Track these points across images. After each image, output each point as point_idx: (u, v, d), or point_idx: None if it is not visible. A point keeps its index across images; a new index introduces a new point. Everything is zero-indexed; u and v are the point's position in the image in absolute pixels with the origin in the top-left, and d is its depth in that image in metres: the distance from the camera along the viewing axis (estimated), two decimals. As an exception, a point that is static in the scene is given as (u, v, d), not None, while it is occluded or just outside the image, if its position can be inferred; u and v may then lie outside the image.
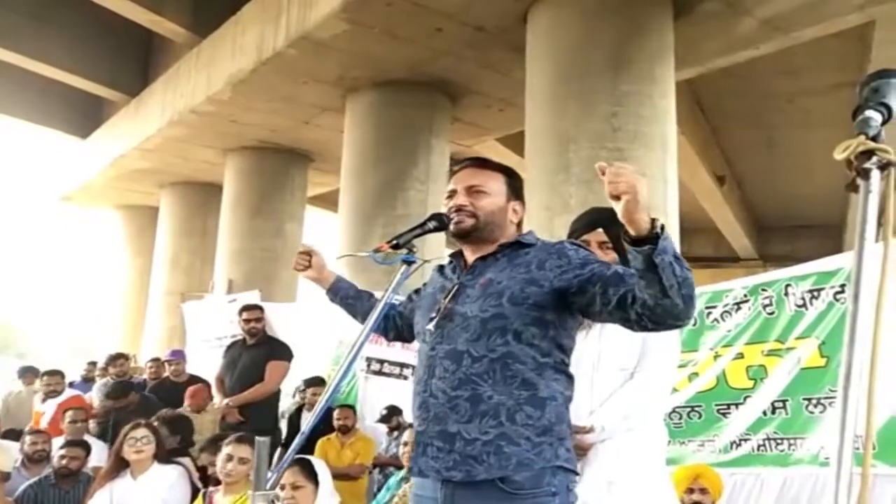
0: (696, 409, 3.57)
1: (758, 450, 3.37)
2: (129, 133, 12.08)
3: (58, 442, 4.59)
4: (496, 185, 1.81)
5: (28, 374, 7.70)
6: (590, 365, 2.16)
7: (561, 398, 1.68)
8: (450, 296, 1.75)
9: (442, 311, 1.73)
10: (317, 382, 5.80)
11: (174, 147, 11.64)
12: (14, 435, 5.60)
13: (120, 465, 3.48)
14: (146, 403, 5.68)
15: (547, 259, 1.69)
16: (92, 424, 5.49)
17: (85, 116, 14.15)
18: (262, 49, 8.44)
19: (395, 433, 5.77)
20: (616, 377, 2.20)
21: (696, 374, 3.57)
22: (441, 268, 1.93)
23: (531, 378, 1.63)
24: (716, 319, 3.55)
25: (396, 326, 2.12)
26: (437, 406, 1.66)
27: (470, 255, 1.83)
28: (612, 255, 2.21)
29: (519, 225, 1.86)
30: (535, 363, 1.64)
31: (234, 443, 3.14)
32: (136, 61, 13.10)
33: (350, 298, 2.17)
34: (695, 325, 3.60)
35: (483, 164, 1.87)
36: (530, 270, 1.68)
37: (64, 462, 4.07)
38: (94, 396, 6.56)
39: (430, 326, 1.73)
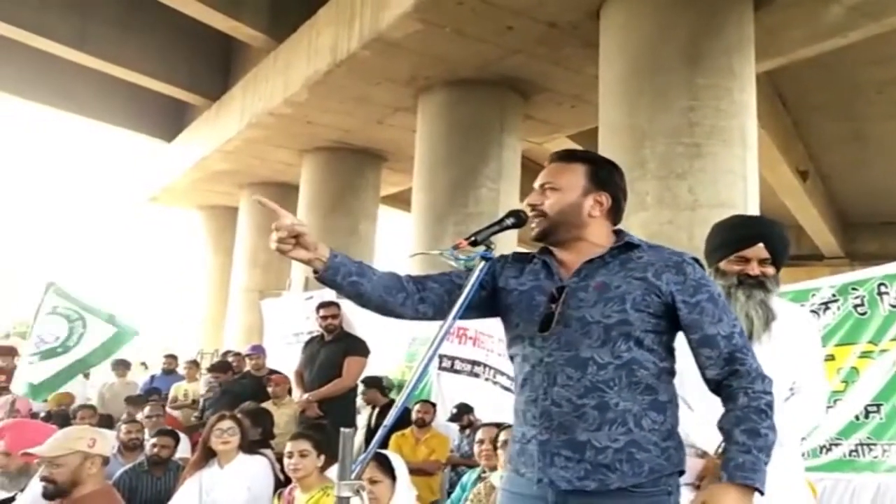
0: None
1: (849, 455, 3.24)
2: (211, 136, 12.57)
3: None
4: (571, 179, 1.73)
5: (120, 366, 8.19)
6: None
7: (676, 401, 1.69)
8: (560, 299, 1.68)
9: (555, 316, 1.66)
10: (372, 383, 5.92)
11: (253, 149, 12.03)
12: (109, 423, 5.94)
13: (208, 455, 3.63)
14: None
15: (665, 270, 1.65)
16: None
17: (169, 120, 14.77)
18: (337, 51, 8.63)
19: (468, 431, 5.80)
20: (782, 392, 2.09)
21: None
22: (521, 261, 1.82)
23: (653, 383, 1.63)
24: (802, 319, 3.42)
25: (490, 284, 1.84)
26: (561, 415, 1.61)
27: (564, 256, 1.75)
28: (772, 270, 2.15)
29: (610, 216, 1.76)
30: (656, 368, 1.64)
31: (291, 440, 3.26)
32: (216, 66, 13.58)
33: (353, 275, 1.71)
34: (779, 325, 3.48)
35: (565, 156, 1.79)
36: (647, 277, 1.64)
37: (156, 450, 4.29)
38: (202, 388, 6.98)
39: (543, 332, 1.66)
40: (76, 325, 4.11)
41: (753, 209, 6.28)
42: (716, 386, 1.63)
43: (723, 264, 2.19)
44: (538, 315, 1.69)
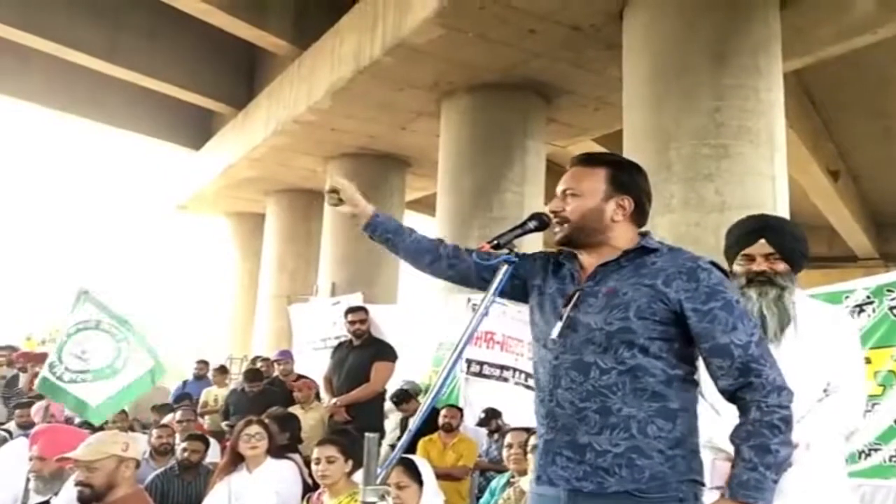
0: (814, 416, 3.38)
1: (889, 461, 3.16)
2: (237, 144, 12.73)
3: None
4: (591, 184, 1.72)
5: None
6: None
7: (692, 409, 1.65)
8: (571, 303, 1.69)
9: (564, 319, 1.68)
10: (403, 398, 5.96)
11: (278, 156, 12.16)
12: (141, 428, 6.04)
13: (236, 460, 3.67)
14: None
15: (676, 277, 1.61)
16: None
17: (197, 129, 14.99)
18: (360, 58, 8.69)
19: (496, 436, 5.79)
20: (813, 393, 2.07)
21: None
22: (556, 262, 1.83)
23: (660, 390, 1.60)
24: (835, 322, 3.36)
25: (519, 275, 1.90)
26: (564, 417, 1.64)
27: (586, 259, 1.75)
28: (782, 266, 2.12)
29: (634, 219, 1.74)
30: (665, 375, 1.60)
31: (318, 446, 3.27)
32: (242, 75, 13.77)
33: (389, 233, 2.00)
34: (811, 328, 3.42)
35: (586, 160, 1.78)
36: (656, 284, 1.62)
37: (186, 455, 4.35)
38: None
39: (554, 335, 1.69)
40: (122, 345, 4.18)
41: (783, 211, 6.19)
42: (730, 397, 1.59)
43: (734, 266, 2.19)
44: (555, 318, 1.71)
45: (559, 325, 1.69)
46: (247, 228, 16.20)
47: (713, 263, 1.66)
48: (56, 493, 3.22)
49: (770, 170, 6.20)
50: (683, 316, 1.59)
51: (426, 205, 13.37)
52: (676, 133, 6.25)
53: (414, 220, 15.08)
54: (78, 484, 2.86)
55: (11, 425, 5.59)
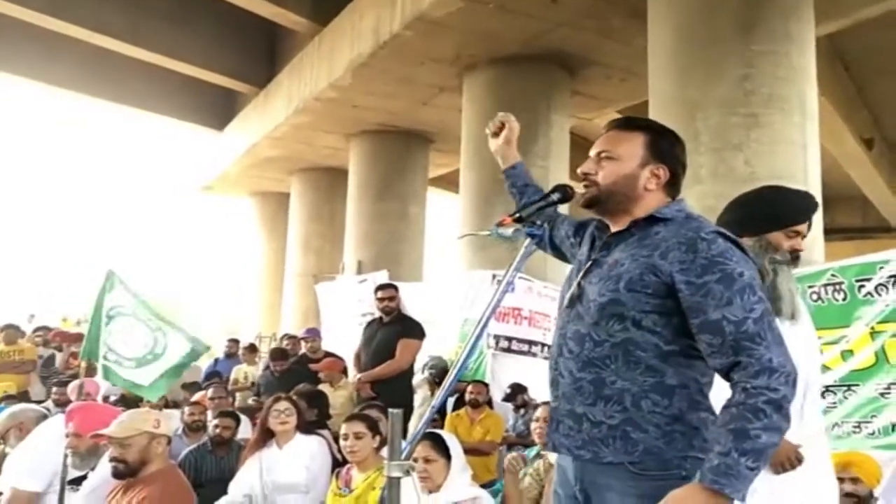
0: (852, 388, 3.33)
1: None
2: (260, 123, 12.76)
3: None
4: (628, 149, 1.66)
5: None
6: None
7: (695, 385, 1.58)
8: (581, 273, 1.69)
9: (573, 288, 1.68)
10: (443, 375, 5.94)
11: (300, 134, 12.18)
12: (173, 405, 6.15)
13: (266, 436, 3.72)
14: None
15: (674, 248, 1.53)
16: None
17: (220, 110, 15.05)
18: (380, 33, 8.62)
19: (522, 411, 5.80)
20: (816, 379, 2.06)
21: (849, 351, 3.32)
22: (596, 227, 1.80)
23: (655, 364, 1.55)
24: (869, 293, 3.28)
25: (551, 239, 2.04)
26: (564, 385, 1.65)
27: (612, 228, 1.72)
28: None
29: (666, 190, 1.68)
30: (659, 350, 1.55)
31: (346, 422, 3.30)
32: (263, 54, 13.76)
33: (515, 188, 2.18)
34: (845, 299, 3.35)
35: (624, 124, 1.72)
36: (652, 256, 1.55)
37: (218, 431, 4.42)
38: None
39: (564, 304, 1.70)
40: (158, 335, 4.30)
41: (814, 181, 6.04)
42: (724, 377, 1.50)
43: (772, 236, 2.10)
44: (569, 287, 1.72)
45: (569, 293, 1.69)
46: (272, 208, 16.31)
47: (720, 233, 1.55)
48: (93, 469, 3.30)
49: (801, 138, 6.05)
50: (676, 289, 1.52)
51: (449, 181, 13.32)
52: (704, 102, 6.11)
53: (438, 198, 15.05)
54: (112, 460, 2.93)
55: (49, 403, 5.73)
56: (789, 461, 1.99)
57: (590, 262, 1.69)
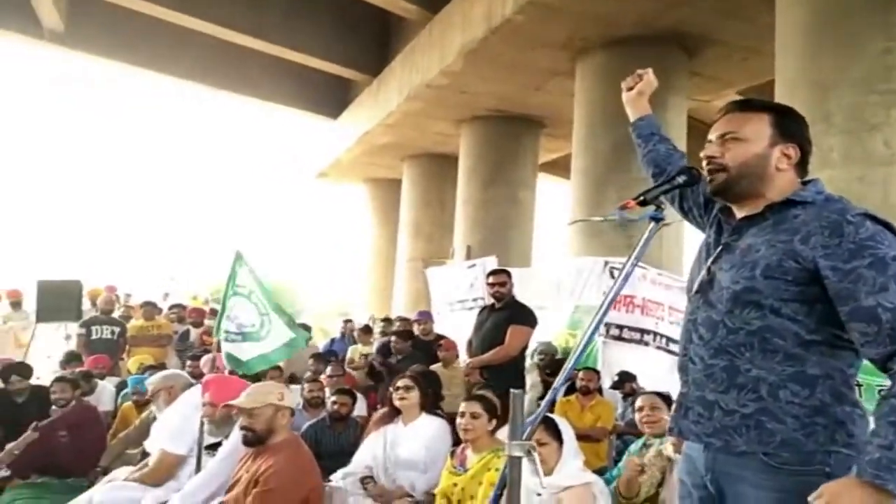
0: None
1: None
2: (373, 111, 13.09)
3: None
4: (755, 129, 1.60)
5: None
6: None
7: (840, 376, 1.50)
8: (712, 258, 1.65)
9: (703, 274, 1.65)
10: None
11: (412, 121, 12.39)
12: (293, 381, 6.49)
13: (394, 413, 3.85)
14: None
15: (816, 232, 1.46)
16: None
17: (335, 98, 15.55)
18: (491, 18, 8.61)
19: (630, 399, 5.70)
20: None
21: None
22: (721, 209, 1.76)
23: (795, 353, 1.48)
24: None
25: (687, 203, 1.95)
26: (695, 371, 1.62)
27: (737, 212, 1.68)
28: None
29: (798, 170, 1.63)
30: (799, 339, 1.48)
31: (465, 401, 3.36)
32: (375, 42, 14.07)
33: (641, 138, 2.18)
34: None
35: (744, 105, 1.66)
36: (792, 241, 1.49)
37: (336, 407, 4.64)
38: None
39: (694, 289, 1.67)
40: (265, 319, 4.55)
41: (965, 163, 5.53)
42: (881, 367, 1.41)
43: None
44: (699, 271, 1.68)
45: (699, 279, 1.66)
46: (383, 194, 16.73)
47: (867, 215, 1.47)
48: (226, 436, 3.55)
49: (952, 118, 5.54)
50: (820, 275, 1.44)
51: (561, 167, 13.15)
52: (837, 80, 5.71)
53: (547, 184, 14.91)
54: (242, 428, 3.15)
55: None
56: None
57: (720, 248, 1.65)
